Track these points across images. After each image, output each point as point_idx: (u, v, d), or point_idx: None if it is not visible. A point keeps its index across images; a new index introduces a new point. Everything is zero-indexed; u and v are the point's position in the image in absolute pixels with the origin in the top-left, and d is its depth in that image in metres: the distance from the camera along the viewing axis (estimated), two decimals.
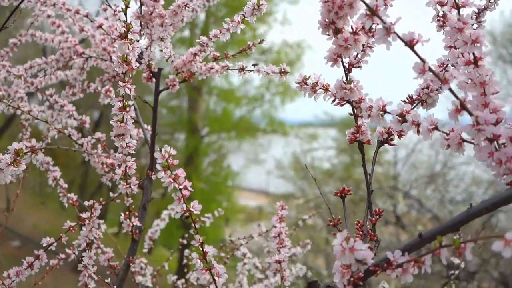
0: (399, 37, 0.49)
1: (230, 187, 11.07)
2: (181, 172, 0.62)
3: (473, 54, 0.53)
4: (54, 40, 1.20)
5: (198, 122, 11.04)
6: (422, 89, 0.68)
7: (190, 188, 0.62)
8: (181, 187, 0.61)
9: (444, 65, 0.67)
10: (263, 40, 1.00)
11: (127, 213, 0.94)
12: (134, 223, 0.95)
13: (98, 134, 1.03)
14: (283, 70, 0.83)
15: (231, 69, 0.95)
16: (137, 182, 0.90)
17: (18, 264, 0.92)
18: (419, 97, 0.68)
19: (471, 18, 0.71)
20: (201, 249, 0.63)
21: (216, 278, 0.64)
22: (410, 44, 0.50)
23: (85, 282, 0.92)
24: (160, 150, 0.61)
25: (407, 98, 0.68)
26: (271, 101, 11.53)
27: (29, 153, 0.65)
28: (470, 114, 0.50)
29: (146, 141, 1.04)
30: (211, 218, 1.40)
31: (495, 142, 0.51)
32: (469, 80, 0.55)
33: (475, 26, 0.72)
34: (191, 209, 0.62)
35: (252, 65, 0.92)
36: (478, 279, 5.58)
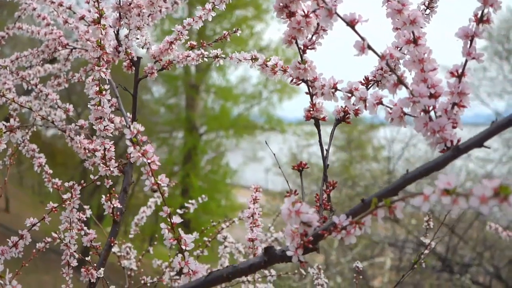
0: (340, 17, 0.54)
1: (229, 185, 11.11)
2: (149, 148, 0.66)
3: (413, 33, 0.57)
4: (40, 32, 1.24)
5: (196, 120, 11.09)
6: (377, 70, 0.72)
7: (157, 163, 0.66)
8: (149, 161, 0.66)
9: (398, 48, 0.72)
10: (238, 29, 1.05)
11: (108, 195, 0.99)
12: (115, 205, 1.00)
13: (81, 121, 1.07)
14: (253, 57, 0.87)
15: (206, 57, 1.00)
16: (117, 164, 0.94)
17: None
18: (374, 78, 0.72)
19: (423, 3, 0.75)
20: (169, 220, 0.68)
21: (183, 247, 0.68)
22: (351, 24, 0.54)
23: (68, 261, 0.97)
24: (129, 127, 0.65)
25: (363, 79, 0.72)
26: (268, 99, 11.59)
27: (8, 132, 0.70)
28: (407, 88, 0.55)
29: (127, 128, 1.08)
30: (195, 204, 1.44)
31: (431, 114, 0.56)
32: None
33: (427, 11, 0.76)
34: (159, 182, 0.66)
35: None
36: (471, 272, 5.64)
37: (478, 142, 0.50)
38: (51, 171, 1.13)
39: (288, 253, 0.58)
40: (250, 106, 11.72)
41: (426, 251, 1.08)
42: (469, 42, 0.55)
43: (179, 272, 0.70)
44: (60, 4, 1.11)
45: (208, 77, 11.48)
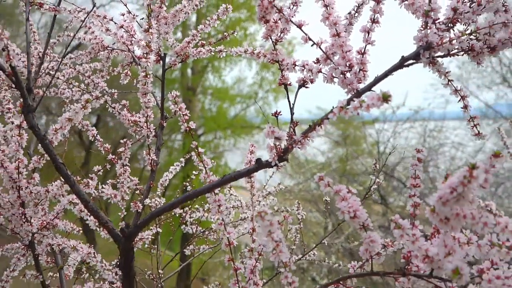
0: (292, 22, 0.96)
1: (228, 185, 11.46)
2: (183, 105, 1.09)
3: (336, 30, 0.99)
4: (86, 38, 1.66)
5: (194, 122, 11.48)
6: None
7: (188, 114, 1.08)
8: (183, 113, 1.08)
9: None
10: (234, 31, 1.47)
11: (147, 150, 1.41)
12: (153, 158, 1.42)
13: (124, 101, 1.49)
14: (246, 49, 1.29)
15: (213, 52, 1.42)
16: (154, 127, 1.36)
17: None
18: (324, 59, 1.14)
19: (353, 10, 1.17)
20: (197, 150, 1.10)
21: (205, 166, 1.10)
22: (299, 26, 0.96)
23: (122, 196, 1.39)
24: (171, 92, 1.07)
25: (315, 59, 1.14)
26: (264, 98, 12.01)
27: (94, 100, 1.11)
28: (331, 60, 0.97)
29: (157, 105, 1.50)
30: (214, 162, 1.86)
31: (348, 75, 0.98)
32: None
33: (356, 14, 1.18)
34: (190, 126, 1.08)
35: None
36: None
37: (369, 87, 0.92)
38: (101, 139, 1.55)
39: (269, 159, 0.99)
40: (246, 106, 12.13)
41: (375, 186, 1.49)
42: (367, 33, 0.97)
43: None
44: (105, 17, 1.53)
45: (204, 79, 11.89)
